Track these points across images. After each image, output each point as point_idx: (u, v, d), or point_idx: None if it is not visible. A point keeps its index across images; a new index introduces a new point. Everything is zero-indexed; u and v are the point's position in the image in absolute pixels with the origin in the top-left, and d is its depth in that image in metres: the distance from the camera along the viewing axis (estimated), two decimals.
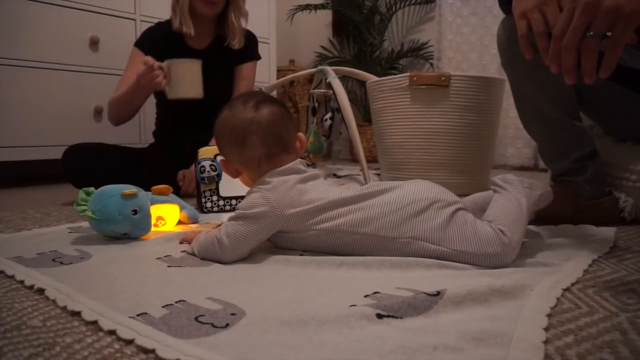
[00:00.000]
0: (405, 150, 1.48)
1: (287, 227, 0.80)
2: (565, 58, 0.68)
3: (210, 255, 0.80)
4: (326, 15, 3.40)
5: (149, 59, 1.38)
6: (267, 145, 0.82)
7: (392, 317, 0.54)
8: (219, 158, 1.27)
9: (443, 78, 1.39)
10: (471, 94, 1.41)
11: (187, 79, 1.40)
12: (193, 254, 0.83)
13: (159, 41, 1.64)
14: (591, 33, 0.66)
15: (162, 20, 1.70)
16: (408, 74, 1.45)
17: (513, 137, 2.65)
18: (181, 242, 0.91)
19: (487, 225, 0.75)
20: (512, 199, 0.80)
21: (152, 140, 1.84)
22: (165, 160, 1.64)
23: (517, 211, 0.78)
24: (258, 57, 1.82)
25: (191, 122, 1.71)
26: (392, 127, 1.50)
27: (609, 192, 1.10)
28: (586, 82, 0.67)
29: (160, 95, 1.77)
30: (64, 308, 0.59)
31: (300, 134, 0.88)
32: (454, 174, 1.44)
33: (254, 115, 0.82)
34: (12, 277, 0.72)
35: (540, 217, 1.03)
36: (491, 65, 2.72)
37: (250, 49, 1.77)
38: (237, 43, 1.66)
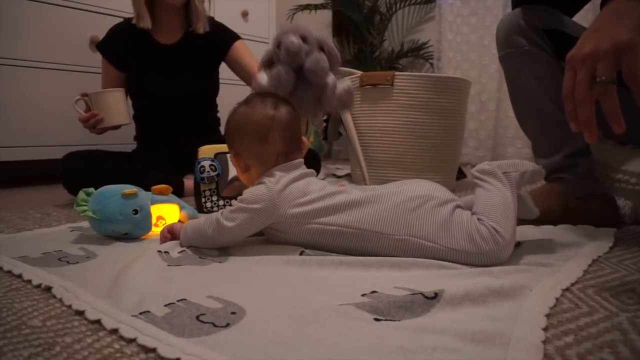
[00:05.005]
0: (363, 148, 1.55)
1: (284, 226, 0.82)
2: (581, 110, 0.65)
3: (204, 237, 0.83)
4: (326, 15, 3.39)
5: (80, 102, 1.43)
6: (285, 142, 0.86)
7: (390, 320, 0.54)
8: (220, 155, 1.28)
9: (388, 77, 1.44)
10: (415, 93, 1.45)
11: (111, 107, 1.43)
12: (185, 238, 0.85)
13: (123, 41, 1.60)
14: (603, 78, 0.64)
15: (131, 16, 1.62)
16: (359, 73, 1.52)
17: (513, 137, 2.65)
18: (167, 232, 0.91)
19: (480, 224, 0.75)
20: (494, 192, 0.78)
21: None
22: (164, 164, 1.61)
23: (502, 205, 0.76)
24: (238, 37, 1.76)
25: (174, 124, 1.66)
26: (356, 125, 1.58)
27: (601, 194, 1.09)
28: (615, 131, 0.63)
29: (137, 101, 1.71)
30: (69, 306, 0.59)
31: (303, 137, 0.91)
32: (403, 171, 1.49)
33: (275, 113, 0.86)
34: (19, 276, 0.72)
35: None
36: (491, 65, 2.72)
37: (225, 34, 1.73)
38: (201, 27, 1.63)
